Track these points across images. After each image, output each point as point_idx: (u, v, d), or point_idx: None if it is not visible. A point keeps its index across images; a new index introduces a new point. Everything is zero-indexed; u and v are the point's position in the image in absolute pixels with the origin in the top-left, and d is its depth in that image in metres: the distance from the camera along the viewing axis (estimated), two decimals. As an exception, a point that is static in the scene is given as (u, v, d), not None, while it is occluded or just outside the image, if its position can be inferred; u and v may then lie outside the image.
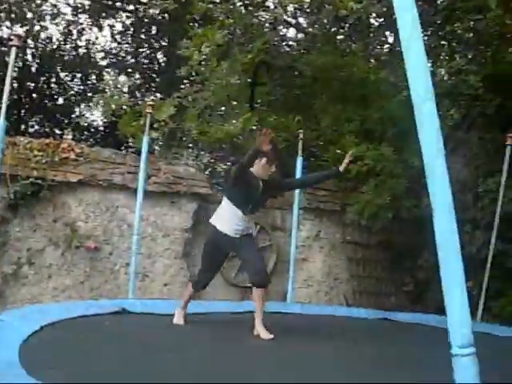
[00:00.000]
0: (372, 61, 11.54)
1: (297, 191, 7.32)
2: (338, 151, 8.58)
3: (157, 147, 10.58)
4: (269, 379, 3.61)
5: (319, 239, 8.85)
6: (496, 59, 9.92)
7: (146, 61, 16.05)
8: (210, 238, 5.41)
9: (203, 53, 8.32)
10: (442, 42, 10.96)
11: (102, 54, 15.92)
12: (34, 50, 15.00)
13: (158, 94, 14.39)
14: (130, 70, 15.40)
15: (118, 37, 15.77)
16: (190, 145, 11.37)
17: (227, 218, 5.18)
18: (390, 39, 11.60)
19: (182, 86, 11.09)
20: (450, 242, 1.77)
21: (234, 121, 9.03)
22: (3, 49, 12.60)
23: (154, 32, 15.44)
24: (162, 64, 15.82)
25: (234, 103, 9.92)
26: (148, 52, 15.98)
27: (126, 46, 15.97)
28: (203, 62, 8.67)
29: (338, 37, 11.68)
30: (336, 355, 4.43)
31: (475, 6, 8.78)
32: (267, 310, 6.39)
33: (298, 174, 7.15)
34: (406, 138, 8.26)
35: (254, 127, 8.91)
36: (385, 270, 8.94)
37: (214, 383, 3.39)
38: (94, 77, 15.62)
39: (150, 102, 7.35)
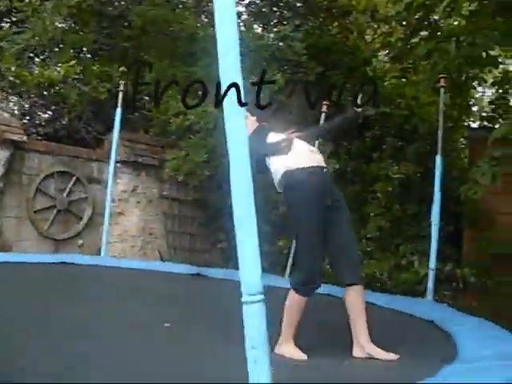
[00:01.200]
0: (204, 18, 11.51)
1: (114, 144, 7.13)
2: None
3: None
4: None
5: (136, 194, 8.75)
6: (322, 30, 10.34)
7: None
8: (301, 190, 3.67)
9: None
10: (274, 9, 11.22)
11: None
12: None
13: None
14: None
15: None
16: (6, 88, 10.70)
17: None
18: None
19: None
20: (243, 193, 1.81)
21: (57, 66, 8.65)
22: None
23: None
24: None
25: (57, 48, 9.45)
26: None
27: None
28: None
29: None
30: (139, 311, 4.43)
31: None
32: (81, 263, 6.38)
33: (117, 125, 6.99)
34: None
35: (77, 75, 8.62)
36: (200, 227, 9.06)
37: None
38: None
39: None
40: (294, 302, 3.57)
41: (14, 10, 8.93)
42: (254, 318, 1.84)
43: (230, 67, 1.88)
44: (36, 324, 3.64)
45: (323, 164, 3.83)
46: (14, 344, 3.13)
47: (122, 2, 10.41)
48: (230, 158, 1.87)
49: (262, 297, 1.85)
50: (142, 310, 4.45)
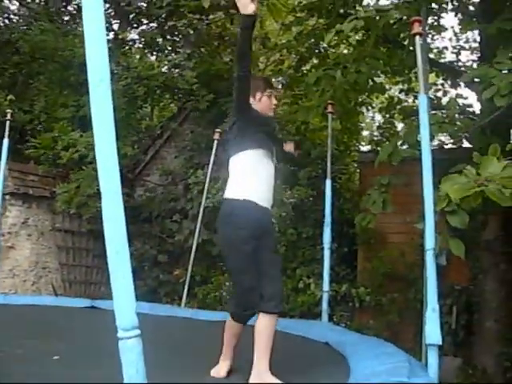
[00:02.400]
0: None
1: (1, 176, 6.84)
2: (52, 136, 8.33)
3: None
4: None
5: (27, 226, 8.47)
6: (213, 58, 10.43)
7: None
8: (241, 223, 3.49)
9: None
10: (167, 37, 11.23)
11: None
12: None
13: None
14: None
15: None
16: None
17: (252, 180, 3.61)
18: (115, 26, 11.54)
19: None
20: (116, 228, 1.77)
21: None
22: None
23: None
24: None
25: None
26: None
27: None
28: None
29: (64, 18, 11.34)
30: (29, 345, 4.25)
31: (197, 6, 9.03)
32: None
33: (4, 156, 6.73)
34: (120, 127, 8.32)
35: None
36: (95, 259, 8.87)
37: None
38: None
39: None
40: (227, 324, 3.61)
41: None
42: (130, 354, 1.80)
43: (101, 97, 1.84)
44: None
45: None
46: None
47: (13, 26, 10.16)
48: (102, 190, 1.82)
49: (137, 331, 1.81)
50: (31, 344, 4.28)
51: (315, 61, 9.04)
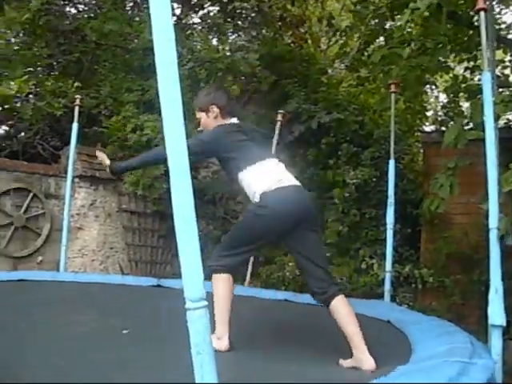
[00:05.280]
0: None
1: (71, 159, 7.07)
2: (121, 118, 8.53)
3: None
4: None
5: (95, 208, 8.74)
6: (275, 40, 10.47)
7: None
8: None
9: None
10: (229, 19, 11.29)
11: None
12: None
13: None
14: None
15: None
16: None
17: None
18: (177, 11, 11.67)
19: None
20: (184, 197, 1.86)
21: (11, 82, 8.57)
22: None
23: None
24: None
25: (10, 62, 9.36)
26: None
27: None
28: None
29: (128, 4, 11.52)
30: (97, 323, 4.42)
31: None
32: (40, 279, 6.32)
33: (74, 140, 6.97)
34: (186, 111, 8.44)
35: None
36: (160, 239, 9.06)
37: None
38: None
39: None
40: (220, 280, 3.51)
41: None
42: (197, 324, 1.88)
43: (169, 80, 1.92)
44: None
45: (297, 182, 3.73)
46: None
47: (78, 16, 10.39)
48: (170, 166, 1.90)
49: (204, 303, 1.89)
50: (101, 321, 4.44)
51: (381, 42, 8.93)
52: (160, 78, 1.91)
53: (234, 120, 3.84)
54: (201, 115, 3.84)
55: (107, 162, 3.87)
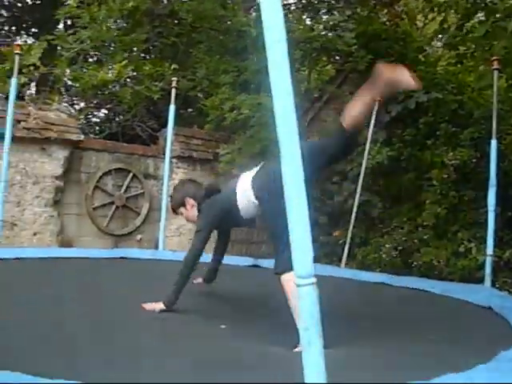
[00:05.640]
0: (253, 13, 11.58)
1: (168, 140, 7.23)
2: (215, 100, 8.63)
3: (27, 93, 10.18)
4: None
5: (194, 187, 8.90)
6: (371, 18, 10.27)
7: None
8: None
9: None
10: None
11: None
12: None
13: (26, 37, 13.76)
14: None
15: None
16: (62, 91, 11.01)
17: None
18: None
19: (56, 28, 10.65)
20: (294, 175, 1.86)
21: (110, 67, 8.84)
22: None
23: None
24: (33, 2, 15.03)
25: (111, 49, 9.65)
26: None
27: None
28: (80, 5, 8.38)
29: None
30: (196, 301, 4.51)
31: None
32: (142, 257, 6.52)
33: (171, 122, 7.12)
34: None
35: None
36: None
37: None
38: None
39: (19, 43, 7.01)
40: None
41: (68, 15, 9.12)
42: (306, 300, 1.89)
43: (278, 58, 1.92)
44: (103, 320, 3.72)
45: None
46: (82, 339, 3.22)
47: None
48: (280, 146, 1.91)
49: (313, 279, 1.90)
50: (200, 300, 4.53)
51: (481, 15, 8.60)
52: (269, 55, 1.91)
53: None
54: (182, 211, 4.19)
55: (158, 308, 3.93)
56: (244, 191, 3.81)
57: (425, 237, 7.90)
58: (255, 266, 6.67)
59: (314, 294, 1.90)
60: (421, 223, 8.06)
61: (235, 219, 3.98)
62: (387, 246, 7.86)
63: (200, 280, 4.60)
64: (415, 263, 7.68)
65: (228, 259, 7.02)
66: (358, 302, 4.67)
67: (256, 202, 3.75)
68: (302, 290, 1.88)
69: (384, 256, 7.88)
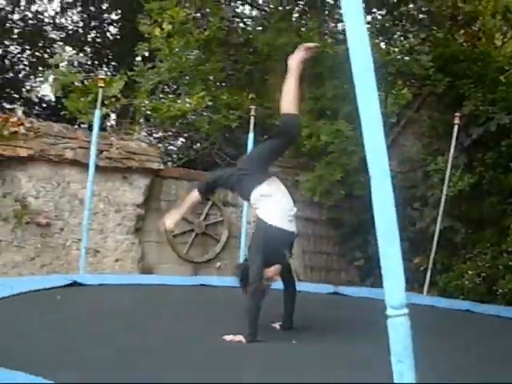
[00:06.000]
0: (327, 38, 11.58)
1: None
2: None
3: (108, 124, 10.50)
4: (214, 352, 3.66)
5: (272, 215, 8.90)
6: (447, 40, 10.11)
7: (96, 34, 15.80)
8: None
9: (165, 30, 8.26)
10: (396, 22, 11.10)
11: (52, 27, 15.63)
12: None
13: (106, 69, 14.26)
14: (80, 44, 15.17)
15: (67, 9, 15.52)
16: (142, 121, 11.28)
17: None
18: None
19: (135, 61, 10.97)
20: (386, 203, 1.84)
21: (187, 98, 9.01)
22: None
23: (104, 5, 15.17)
24: (114, 38, 15.59)
25: (187, 78, 9.83)
26: (99, 25, 15.70)
27: (76, 18, 15.70)
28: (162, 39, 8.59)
29: (294, 14, 11.67)
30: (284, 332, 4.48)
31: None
32: (222, 284, 6.55)
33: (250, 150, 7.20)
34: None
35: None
36: (335, 246, 9.07)
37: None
38: (43, 50, 15.31)
39: (102, 76, 7.24)
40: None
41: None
42: (398, 332, 1.85)
43: (366, 85, 1.91)
44: (179, 344, 3.77)
45: (293, 229, 4.59)
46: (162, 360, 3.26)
47: (248, 28, 10.71)
48: (371, 173, 1.90)
49: (406, 310, 1.86)
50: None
51: None
52: (357, 82, 1.90)
53: None
54: None
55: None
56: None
57: (510, 263, 7.64)
58: (335, 293, 6.61)
59: (407, 325, 1.86)
60: (505, 249, 7.80)
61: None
62: (470, 272, 7.65)
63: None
64: (500, 291, 7.43)
65: (308, 286, 7.03)
66: (446, 331, 4.55)
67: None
68: (394, 321, 1.84)
69: (467, 283, 7.66)
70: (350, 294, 6.64)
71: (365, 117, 1.90)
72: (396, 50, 10.04)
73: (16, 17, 15.34)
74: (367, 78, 1.90)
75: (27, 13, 15.40)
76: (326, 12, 11.81)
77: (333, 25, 12.36)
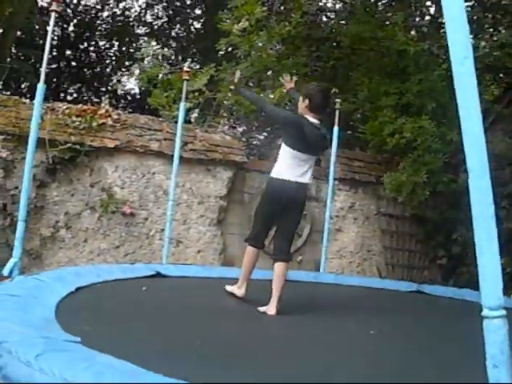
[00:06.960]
0: (412, 32, 11.34)
1: (332, 162, 7.24)
2: (379, 122, 8.52)
3: (192, 117, 10.62)
4: (294, 349, 3.63)
5: (353, 210, 8.84)
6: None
7: (181, 29, 16.08)
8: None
9: (242, 26, 8.30)
10: (486, 14, 10.74)
11: (138, 23, 16.03)
12: (73, 19, 15.16)
13: (192, 64, 14.43)
14: (164, 39, 15.47)
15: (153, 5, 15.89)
16: (225, 114, 11.37)
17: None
18: (432, 10, 11.39)
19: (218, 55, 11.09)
20: (484, 198, 1.76)
21: (270, 92, 9.02)
22: (44, 18, 12.70)
23: (188, 0, 15.43)
24: (198, 32, 15.81)
25: (270, 73, 9.83)
26: (183, 20, 15.97)
27: (161, 14, 16.03)
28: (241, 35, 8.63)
29: (378, 8, 11.49)
30: (364, 327, 4.42)
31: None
32: (301, 280, 6.51)
33: (335, 144, 7.15)
34: (446, 112, 8.17)
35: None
36: (418, 244, 8.90)
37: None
38: (130, 45, 15.73)
39: (187, 69, 7.27)
40: (246, 252, 5.01)
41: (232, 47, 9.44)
42: (495, 334, 1.77)
43: (465, 75, 1.84)
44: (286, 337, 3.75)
45: (298, 179, 4.70)
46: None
47: (332, 22, 10.61)
48: (469, 171, 1.82)
49: (503, 312, 1.78)
50: (362, 324, 4.45)
51: None
52: (455, 72, 1.83)
53: (314, 120, 4.69)
54: (300, 98, 4.81)
55: (236, 80, 5.37)
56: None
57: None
58: (418, 291, 6.48)
59: (505, 328, 1.77)
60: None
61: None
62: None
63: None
64: None
65: (389, 283, 6.92)
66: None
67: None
68: (491, 322, 1.76)
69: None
70: (432, 292, 6.49)
71: (463, 106, 1.82)
72: (483, 43, 9.74)
73: (105, 14, 15.80)
74: (466, 68, 1.83)
75: (115, 10, 15.83)
76: (412, 6, 11.59)
77: (418, 19, 12.12)
